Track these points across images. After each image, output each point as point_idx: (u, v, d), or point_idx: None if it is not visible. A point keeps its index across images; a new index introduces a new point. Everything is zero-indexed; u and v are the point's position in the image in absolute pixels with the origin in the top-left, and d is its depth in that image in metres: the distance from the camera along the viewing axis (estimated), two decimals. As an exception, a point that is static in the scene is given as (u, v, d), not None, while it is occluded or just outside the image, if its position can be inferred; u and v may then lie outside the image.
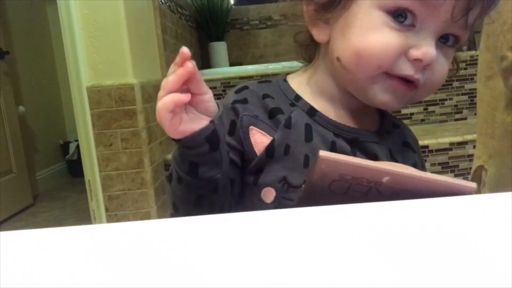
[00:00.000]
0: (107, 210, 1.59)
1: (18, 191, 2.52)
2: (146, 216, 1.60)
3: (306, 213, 0.34)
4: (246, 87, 0.53)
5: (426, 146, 1.72)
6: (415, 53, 0.44)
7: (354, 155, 0.49)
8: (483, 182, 0.74)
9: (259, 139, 0.49)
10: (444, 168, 1.74)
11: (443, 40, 0.46)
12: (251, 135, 0.50)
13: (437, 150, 1.73)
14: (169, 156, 1.82)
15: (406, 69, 0.45)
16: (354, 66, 0.47)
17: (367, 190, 0.36)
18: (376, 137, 0.52)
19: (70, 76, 1.58)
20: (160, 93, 0.41)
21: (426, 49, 0.44)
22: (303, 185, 0.38)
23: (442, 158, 1.74)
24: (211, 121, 0.43)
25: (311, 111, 0.51)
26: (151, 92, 1.71)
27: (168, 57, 2.07)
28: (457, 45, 0.48)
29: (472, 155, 1.71)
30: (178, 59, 0.40)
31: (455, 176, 1.75)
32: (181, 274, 0.25)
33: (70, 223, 2.21)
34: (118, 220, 1.60)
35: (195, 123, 0.42)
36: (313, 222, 0.32)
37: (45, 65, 3.17)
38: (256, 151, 0.49)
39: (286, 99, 0.51)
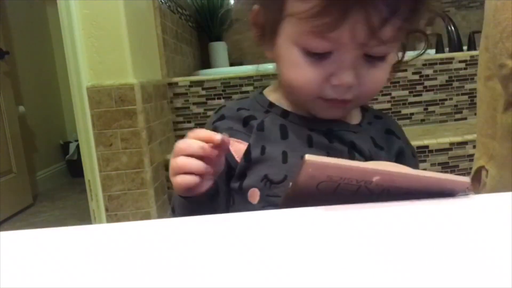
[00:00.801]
0: (107, 210, 1.59)
1: (18, 191, 2.52)
2: (146, 216, 1.60)
3: (304, 214, 0.34)
4: (223, 106, 0.59)
5: (426, 146, 1.72)
6: (334, 81, 0.47)
7: (331, 144, 0.52)
8: (483, 183, 0.73)
9: (237, 148, 0.53)
10: (444, 168, 1.74)
11: (368, 58, 0.48)
12: (230, 146, 0.53)
13: (437, 150, 1.73)
14: (169, 156, 1.82)
15: (332, 94, 0.48)
16: (291, 93, 0.53)
17: (357, 189, 0.35)
18: (355, 128, 0.54)
19: (70, 76, 1.58)
20: (188, 161, 0.44)
21: (343, 77, 0.47)
22: (290, 184, 0.38)
23: (442, 158, 1.73)
24: (215, 181, 0.47)
25: (285, 114, 0.54)
26: (151, 92, 1.71)
27: (168, 57, 2.07)
28: (385, 58, 0.49)
29: (472, 155, 1.70)
30: (215, 141, 0.44)
31: (455, 176, 1.75)
32: (181, 274, 0.25)
33: (70, 223, 2.21)
34: (118, 220, 1.60)
35: (202, 185, 0.46)
36: (310, 223, 0.32)
37: (45, 65, 3.17)
38: (237, 159, 0.53)
39: (261, 108, 0.56)
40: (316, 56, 0.47)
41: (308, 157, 0.33)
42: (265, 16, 0.51)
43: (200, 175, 0.44)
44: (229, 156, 0.53)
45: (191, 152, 0.44)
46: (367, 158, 0.53)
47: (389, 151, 0.56)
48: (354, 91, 0.48)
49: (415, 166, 0.60)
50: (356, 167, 0.34)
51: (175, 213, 0.50)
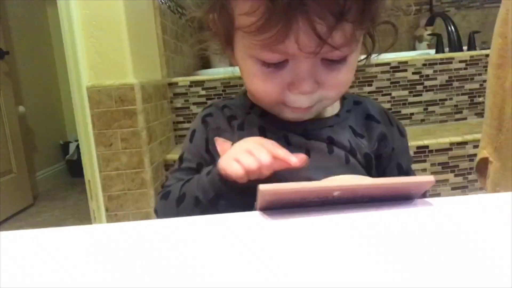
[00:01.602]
0: (107, 210, 1.59)
1: (18, 191, 2.51)
2: (146, 216, 1.60)
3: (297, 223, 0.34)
4: (210, 105, 0.60)
5: (426, 146, 1.72)
6: (294, 91, 0.47)
7: (309, 142, 0.52)
8: (488, 174, 0.71)
9: (224, 147, 0.54)
10: (444, 168, 1.74)
11: (328, 61, 0.46)
12: (217, 145, 0.55)
13: (437, 150, 1.72)
14: (169, 156, 1.82)
15: (295, 102, 0.48)
16: (256, 101, 0.54)
17: (322, 202, 0.35)
18: (331, 121, 0.54)
19: (70, 76, 1.58)
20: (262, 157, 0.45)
21: (301, 86, 0.46)
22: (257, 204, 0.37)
23: (442, 158, 1.73)
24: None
25: (263, 114, 0.55)
26: (151, 92, 1.71)
27: (168, 57, 2.07)
28: (345, 59, 0.47)
29: (472, 155, 1.71)
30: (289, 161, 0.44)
31: (456, 176, 1.75)
32: (181, 274, 0.25)
33: (70, 223, 2.21)
34: (118, 220, 1.60)
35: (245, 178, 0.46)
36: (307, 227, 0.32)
37: (45, 65, 3.17)
38: None
39: (244, 109, 0.57)
40: (273, 66, 0.46)
41: (261, 187, 0.33)
42: (220, 27, 0.50)
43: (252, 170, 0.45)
44: (216, 155, 0.54)
45: (258, 156, 0.44)
46: (347, 151, 0.53)
47: (370, 138, 0.55)
48: (316, 96, 0.48)
49: (404, 146, 0.60)
50: (312, 187, 0.34)
51: (183, 202, 0.51)
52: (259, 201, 0.34)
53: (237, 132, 0.54)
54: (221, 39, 0.51)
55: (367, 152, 0.54)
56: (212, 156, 0.55)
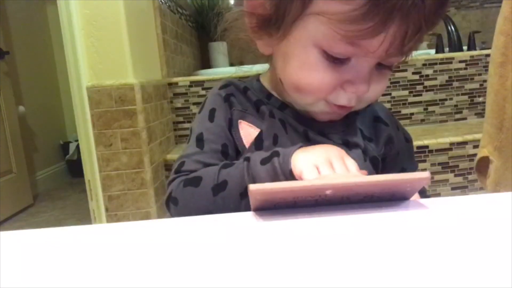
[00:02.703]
0: (107, 210, 1.59)
1: (18, 191, 2.52)
2: (146, 216, 1.60)
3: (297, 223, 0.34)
4: (227, 84, 0.56)
5: (426, 146, 1.72)
6: (349, 88, 0.46)
7: (326, 141, 0.51)
8: (488, 174, 0.71)
9: (247, 132, 0.52)
10: (444, 168, 1.74)
11: (378, 66, 0.46)
12: (240, 129, 0.52)
13: (437, 150, 1.73)
14: (169, 156, 1.82)
15: (342, 100, 0.47)
16: (294, 94, 0.49)
17: (315, 201, 0.34)
18: (341, 125, 0.53)
19: (70, 76, 1.58)
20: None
21: (359, 87, 0.45)
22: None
23: (442, 158, 1.73)
24: None
25: (282, 106, 0.53)
26: (151, 92, 1.71)
27: (168, 57, 2.07)
28: (391, 67, 0.48)
29: (472, 155, 1.71)
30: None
31: (456, 176, 1.75)
32: (181, 274, 0.25)
33: (70, 223, 2.21)
34: (118, 220, 1.60)
35: None
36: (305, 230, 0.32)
37: (45, 65, 3.17)
38: (245, 143, 0.51)
39: (261, 97, 0.54)
40: (336, 61, 0.44)
41: (251, 187, 0.32)
42: (278, 9, 0.46)
43: None
44: (237, 139, 0.52)
45: (337, 172, 0.42)
46: (362, 149, 0.52)
47: (377, 140, 0.55)
48: (362, 98, 0.48)
49: (408, 152, 0.59)
50: (303, 186, 0.33)
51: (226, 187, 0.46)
52: (251, 201, 0.34)
53: (270, 119, 0.51)
54: (274, 22, 0.47)
55: (374, 155, 0.54)
56: (232, 136, 0.52)
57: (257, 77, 0.57)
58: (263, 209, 0.35)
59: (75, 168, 3.09)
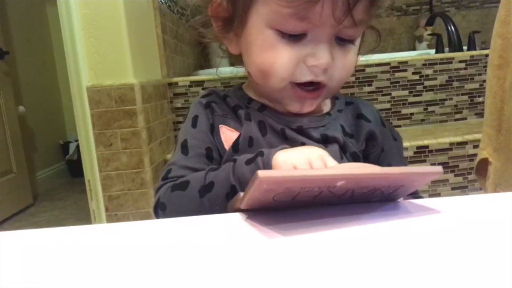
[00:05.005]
0: (107, 210, 1.59)
1: (18, 191, 2.51)
2: (146, 216, 1.60)
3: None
4: (209, 93, 0.59)
5: (426, 146, 1.72)
6: (311, 61, 0.48)
7: (303, 139, 0.52)
8: (488, 176, 0.71)
9: (229, 136, 0.54)
10: (444, 168, 1.73)
11: (339, 41, 0.49)
12: (221, 133, 0.54)
13: (437, 150, 1.72)
14: (169, 156, 1.82)
15: (308, 75, 0.49)
16: (261, 81, 0.52)
17: (318, 193, 0.33)
18: (324, 119, 0.55)
19: (70, 76, 1.58)
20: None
21: (320, 55, 0.47)
22: (240, 196, 0.35)
23: (442, 158, 1.73)
24: None
25: (262, 108, 0.55)
26: (151, 92, 1.71)
27: (168, 57, 2.07)
28: (354, 42, 0.50)
29: (472, 155, 1.71)
30: None
31: (456, 176, 1.75)
32: (181, 274, 0.25)
33: (70, 223, 2.21)
34: (118, 220, 1.60)
35: None
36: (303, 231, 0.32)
37: (45, 65, 3.17)
38: (226, 147, 0.53)
39: (242, 103, 0.56)
40: (291, 38, 0.47)
41: (261, 173, 0.30)
42: (234, 3, 0.50)
43: None
44: (219, 143, 0.54)
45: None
46: (341, 145, 0.53)
47: (358, 137, 0.56)
48: (328, 74, 0.49)
49: (397, 150, 0.60)
50: (318, 175, 0.32)
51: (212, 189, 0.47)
52: (254, 190, 0.31)
53: (246, 122, 0.54)
54: (232, 17, 0.51)
55: (355, 151, 0.55)
56: (214, 140, 0.54)
57: (240, 85, 0.60)
58: (258, 203, 0.34)
59: (75, 168, 3.09)
